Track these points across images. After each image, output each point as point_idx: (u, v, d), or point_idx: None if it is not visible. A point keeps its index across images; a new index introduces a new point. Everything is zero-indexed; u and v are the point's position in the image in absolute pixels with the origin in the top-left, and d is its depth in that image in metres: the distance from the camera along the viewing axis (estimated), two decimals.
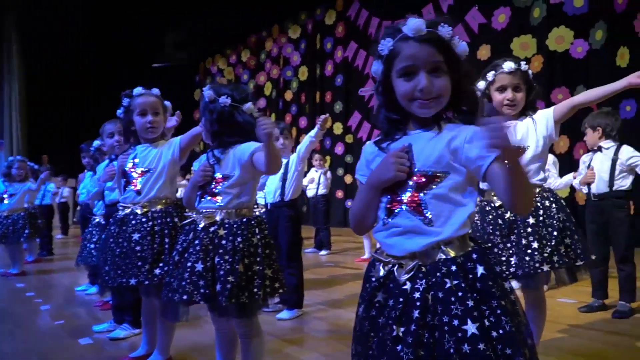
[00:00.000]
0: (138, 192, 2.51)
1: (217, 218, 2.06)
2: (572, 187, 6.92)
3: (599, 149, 3.40)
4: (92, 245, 3.91)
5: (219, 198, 2.09)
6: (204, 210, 2.11)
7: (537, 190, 2.88)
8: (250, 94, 2.19)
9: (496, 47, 7.80)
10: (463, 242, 1.21)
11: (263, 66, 12.58)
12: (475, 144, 1.16)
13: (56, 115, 13.01)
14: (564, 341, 2.85)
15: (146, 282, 2.38)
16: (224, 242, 2.00)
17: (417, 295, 1.16)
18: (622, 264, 3.29)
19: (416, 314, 1.14)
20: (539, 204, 2.75)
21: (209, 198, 2.11)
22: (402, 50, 1.23)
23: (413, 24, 1.21)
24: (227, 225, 2.03)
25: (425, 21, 1.23)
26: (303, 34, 11.51)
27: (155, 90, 2.61)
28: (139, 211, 2.47)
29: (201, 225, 2.06)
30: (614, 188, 3.31)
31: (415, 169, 1.24)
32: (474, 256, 1.19)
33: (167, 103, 2.66)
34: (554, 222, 2.74)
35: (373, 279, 1.27)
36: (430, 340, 1.12)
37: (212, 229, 2.04)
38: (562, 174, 7.12)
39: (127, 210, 2.50)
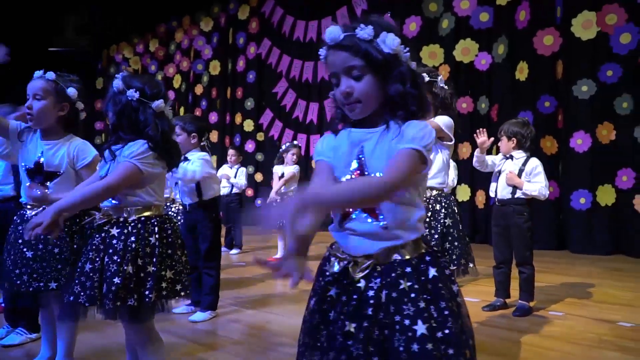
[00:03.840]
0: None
1: (114, 217, 1.96)
2: (472, 192, 7.37)
3: (511, 157, 3.59)
4: None
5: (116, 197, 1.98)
6: (103, 208, 2.00)
7: (434, 192, 3.05)
8: (163, 91, 2.05)
9: None
10: (416, 244, 1.26)
11: (172, 58, 12.14)
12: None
13: None
14: None
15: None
16: (114, 241, 1.90)
17: (371, 293, 1.20)
18: (522, 267, 3.52)
19: (369, 311, 1.18)
20: (429, 206, 2.89)
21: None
22: (327, 59, 1.28)
23: (329, 32, 1.24)
24: (120, 224, 1.93)
25: (342, 27, 1.25)
26: (215, 27, 11.26)
27: (49, 74, 2.33)
28: None
29: (96, 224, 1.96)
30: (516, 195, 3.53)
31: (367, 173, 1.26)
32: (427, 258, 1.25)
33: (71, 91, 2.36)
34: (438, 225, 2.91)
35: (327, 274, 1.29)
36: (380, 338, 1.17)
37: (105, 227, 1.94)
38: (462, 179, 7.54)
39: (38, 209, 2.31)
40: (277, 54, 10.08)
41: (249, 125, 10.62)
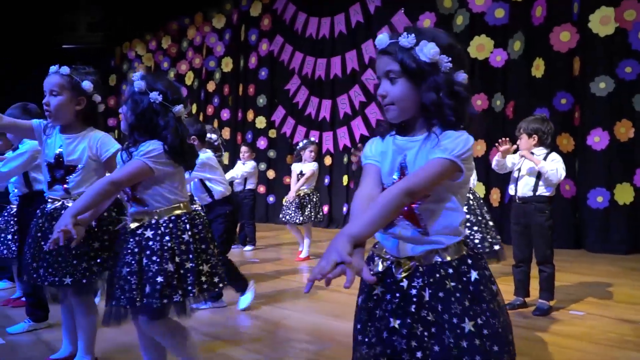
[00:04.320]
0: (66, 190, 2.32)
1: (146, 220, 1.97)
2: (487, 190, 7.31)
3: (531, 154, 3.50)
4: (10, 237, 3.58)
5: (142, 202, 2.01)
6: (132, 213, 2.03)
7: None
8: (182, 95, 2.07)
9: None
10: (458, 247, 1.32)
11: (185, 55, 12.16)
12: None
13: None
14: None
15: (84, 281, 2.21)
16: (150, 243, 1.92)
17: (413, 292, 1.28)
18: (543, 265, 3.47)
19: (412, 308, 1.26)
20: None
21: (133, 204, 2.02)
22: (375, 63, 1.36)
23: (378, 39, 1.32)
24: (153, 226, 1.95)
25: (390, 34, 1.32)
26: (228, 24, 11.25)
27: (63, 68, 2.32)
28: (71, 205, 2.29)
29: (129, 229, 1.98)
30: (537, 193, 3.48)
31: None
32: (469, 261, 1.31)
33: (86, 84, 2.34)
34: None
35: (371, 273, 1.33)
36: (424, 334, 1.25)
37: (138, 231, 1.96)
38: (478, 176, 7.47)
39: (58, 204, 2.31)
40: (290, 51, 10.05)
41: (261, 122, 10.61)
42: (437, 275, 1.27)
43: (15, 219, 3.58)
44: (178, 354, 2.13)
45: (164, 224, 1.96)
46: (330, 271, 1.09)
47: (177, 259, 1.92)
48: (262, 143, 10.51)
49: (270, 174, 10.44)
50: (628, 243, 6.05)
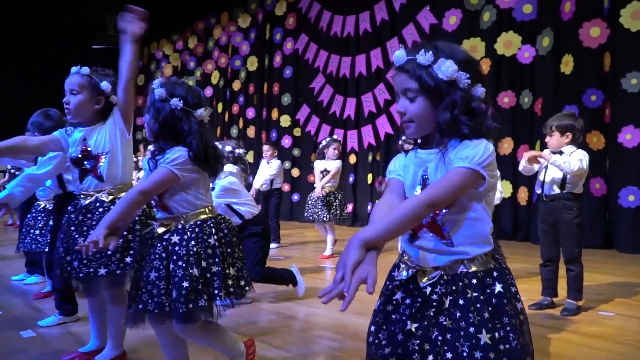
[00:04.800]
0: (99, 178, 2.37)
1: (172, 225, 2.00)
2: (514, 189, 7.21)
3: (560, 152, 3.41)
4: (38, 232, 3.67)
5: (168, 209, 2.04)
6: (160, 219, 2.06)
7: None
8: (203, 99, 2.08)
9: None
10: (485, 258, 1.31)
11: (211, 54, 12.28)
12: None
13: None
14: None
15: (118, 272, 2.27)
16: (177, 248, 1.95)
17: (435, 297, 1.28)
18: (571, 264, 3.41)
19: (431, 312, 1.26)
20: None
21: (160, 210, 2.06)
22: (393, 79, 1.37)
23: (395, 56, 1.33)
24: (180, 231, 1.98)
25: (407, 50, 1.32)
26: (253, 23, 11.32)
27: (83, 69, 2.40)
28: (105, 198, 2.34)
29: (157, 234, 2.01)
30: (565, 190, 3.41)
31: None
32: (495, 274, 1.29)
33: (104, 85, 2.41)
34: None
35: (396, 279, 1.37)
36: (438, 338, 1.24)
37: (165, 236, 1.99)
38: (504, 175, 7.39)
39: (91, 199, 2.36)
40: (314, 50, 10.06)
41: (285, 121, 10.65)
42: (460, 284, 1.26)
43: (43, 215, 3.69)
44: (220, 351, 2.19)
45: (190, 229, 1.98)
46: (339, 291, 1.10)
47: (203, 263, 1.94)
48: (286, 142, 10.54)
49: (295, 172, 10.47)
50: None
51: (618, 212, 6.19)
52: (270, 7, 10.90)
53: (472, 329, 1.21)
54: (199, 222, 2.00)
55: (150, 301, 1.90)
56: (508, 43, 7.23)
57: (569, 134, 3.39)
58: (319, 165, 6.02)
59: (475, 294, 1.24)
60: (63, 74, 2.45)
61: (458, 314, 1.23)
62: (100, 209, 2.32)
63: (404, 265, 1.37)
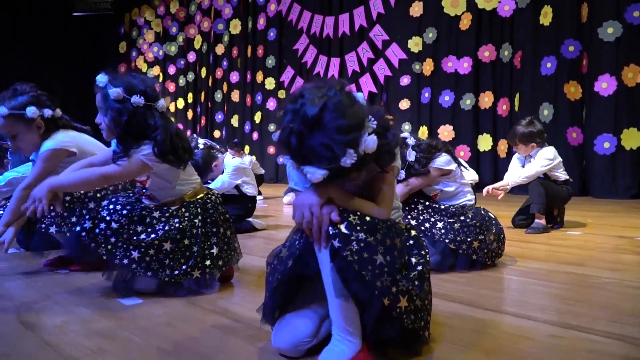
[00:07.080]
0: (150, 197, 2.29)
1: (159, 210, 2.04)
2: (494, 142, 7.30)
3: (529, 155, 3.76)
4: None
5: (154, 198, 2.08)
6: (147, 204, 2.09)
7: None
8: (158, 87, 1.99)
9: (427, 4, 7.99)
10: None
11: (193, 18, 12.16)
12: None
13: None
14: None
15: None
16: (161, 224, 1.99)
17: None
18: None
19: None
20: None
21: (146, 199, 2.10)
22: None
23: None
24: (164, 211, 2.02)
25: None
26: None
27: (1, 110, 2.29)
28: None
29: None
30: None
31: None
32: None
33: (30, 111, 2.30)
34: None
35: None
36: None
37: (154, 213, 2.03)
38: (485, 128, 7.48)
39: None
40: (298, 10, 10.02)
41: (270, 83, 10.64)
42: None
43: None
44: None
45: (175, 210, 2.02)
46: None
47: (186, 241, 1.97)
48: (271, 104, 10.55)
49: None
50: (634, 187, 6.06)
51: (594, 159, 6.32)
52: None
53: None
54: (184, 204, 2.04)
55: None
56: None
57: (532, 143, 3.68)
58: None
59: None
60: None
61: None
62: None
63: None
